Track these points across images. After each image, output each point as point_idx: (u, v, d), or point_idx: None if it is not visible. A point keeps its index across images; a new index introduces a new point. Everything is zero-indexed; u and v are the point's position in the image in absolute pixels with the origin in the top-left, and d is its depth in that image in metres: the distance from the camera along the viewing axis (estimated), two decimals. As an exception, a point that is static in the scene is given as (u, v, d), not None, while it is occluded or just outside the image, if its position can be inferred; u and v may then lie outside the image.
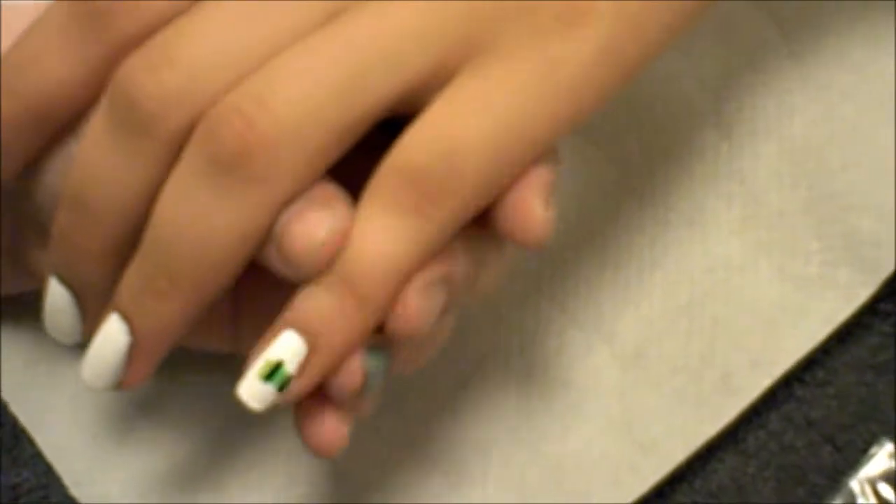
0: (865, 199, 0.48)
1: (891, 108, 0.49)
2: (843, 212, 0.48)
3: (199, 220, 0.39)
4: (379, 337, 0.40)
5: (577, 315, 0.48)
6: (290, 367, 0.39)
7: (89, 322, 0.42)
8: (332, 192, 0.39)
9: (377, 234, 0.39)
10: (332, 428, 0.41)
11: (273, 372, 0.39)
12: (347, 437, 0.41)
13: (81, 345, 0.42)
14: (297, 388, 0.40)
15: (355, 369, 0.39)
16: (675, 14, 0.41)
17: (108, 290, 0.41)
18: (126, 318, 0.40)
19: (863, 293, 0.48)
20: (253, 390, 0.40)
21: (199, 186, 0.38)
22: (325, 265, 0.39)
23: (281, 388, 0.39)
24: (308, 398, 0.40)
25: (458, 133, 0.39)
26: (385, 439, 0.47)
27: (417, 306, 0.39)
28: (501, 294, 0.48)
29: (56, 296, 0.42)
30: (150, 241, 0.39)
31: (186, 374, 0.48)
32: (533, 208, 0.40)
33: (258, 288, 0.43)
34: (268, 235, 0.39)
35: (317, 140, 0.38)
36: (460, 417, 0.48)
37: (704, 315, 0.48)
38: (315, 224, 0.39)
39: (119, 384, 0.41)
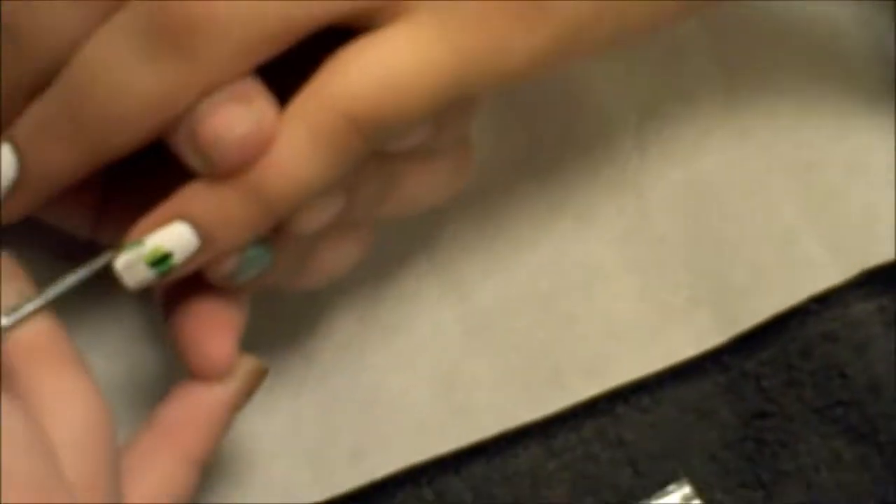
0: (746, 253, 0.49)
1: (799, 175, 0.50)
2: (721, 257, 0.49)
3: (119, 74, 0.38)
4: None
5: (441, 267, 0.49)
6: (178, 259, 0.40)
7: None
8: (257, 90, 0.39)
9: (299, 157, 0.39)
10: (217, 349, 0.41)
11: (161, 260, 0.40)
12: (234, 356, 0.42)
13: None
14: (175, 276, 0.40)
15: (230, 258, 0.40)
16: (618, 26, 0.41)
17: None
18: (18, 151, 0.40)
19: (713, 339, 0.49)
20: (134, 271, 0.40)
21: (130, 43, 0.38)
22: (235, 162, 0.39)
23: (162, 275, 0.40)
24: (193, 323, 0.41)
25: (399, 69, 0.39)
26: None
27: (308, 210, 0.40)
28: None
29: None
30: (64, 80, 0.39)
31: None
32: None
33: (131, 181, 0.43)
34: (183, 118, 0.39)
35: (259, 32, 0.38)
36: (296, 328, 0.49)
37: (559, 308, 0.49)
38: (234, 118, 0.38)
39: None
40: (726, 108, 0.50)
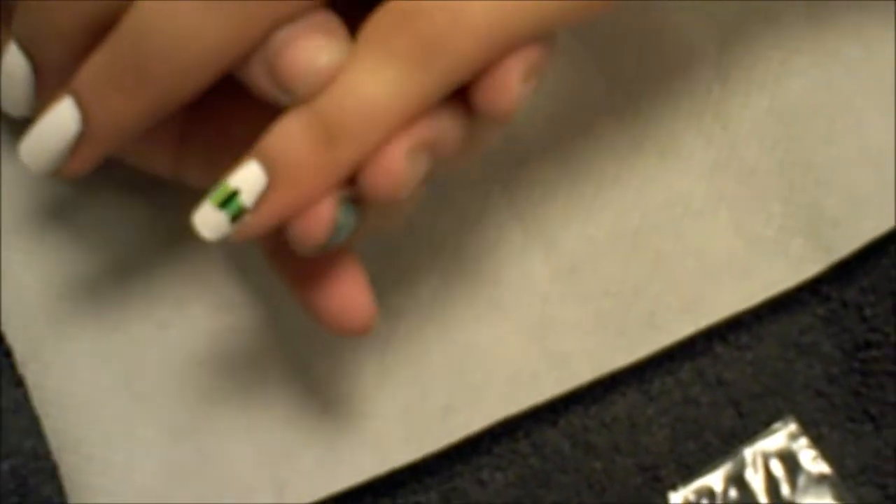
0: (838, 177, 0.47)
1: (890, 94, 0.48)
2: (813, 184, 0.47)
3: (183, 17, 0.37)
4: (351, 190, 0.38)
5: (523, 214, 0.48)
6: (246, 199, 0.38)
7: (43, 99, 0.40)
8: (334, 23, 0.38)
9: (364, 76, 0.37)
10: (356, 299, 0.40)
11: (227, 200, 0.38)
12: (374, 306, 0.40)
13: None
14: (251, 223, 0.38)
15: (323, 218, 0.38)
16: None
17: (68, 72, 0.39)
18: (81, 105, 0.39)
19: (810, 269, 0.47)
20: (206, 217, 0.38)
21: None
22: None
23: (234, 219, 0.38)
24: (313, 274, 0.40)
25: None
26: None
27: (403, 169, 0.38)
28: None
29: (13, 64, 0.40)
30: (124, 28, 0.38)
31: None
32: (509, 79, 0.38)
33: (210, 116, 0.41)
34: (257, 53, 0.37)
35: None
36: (378, 286, 0.47)
37: (649, 247, 0.47)
38: (316, 49, 0.37)
39: (57, 172, 0.40)
40: (810, 29, 0.48)
